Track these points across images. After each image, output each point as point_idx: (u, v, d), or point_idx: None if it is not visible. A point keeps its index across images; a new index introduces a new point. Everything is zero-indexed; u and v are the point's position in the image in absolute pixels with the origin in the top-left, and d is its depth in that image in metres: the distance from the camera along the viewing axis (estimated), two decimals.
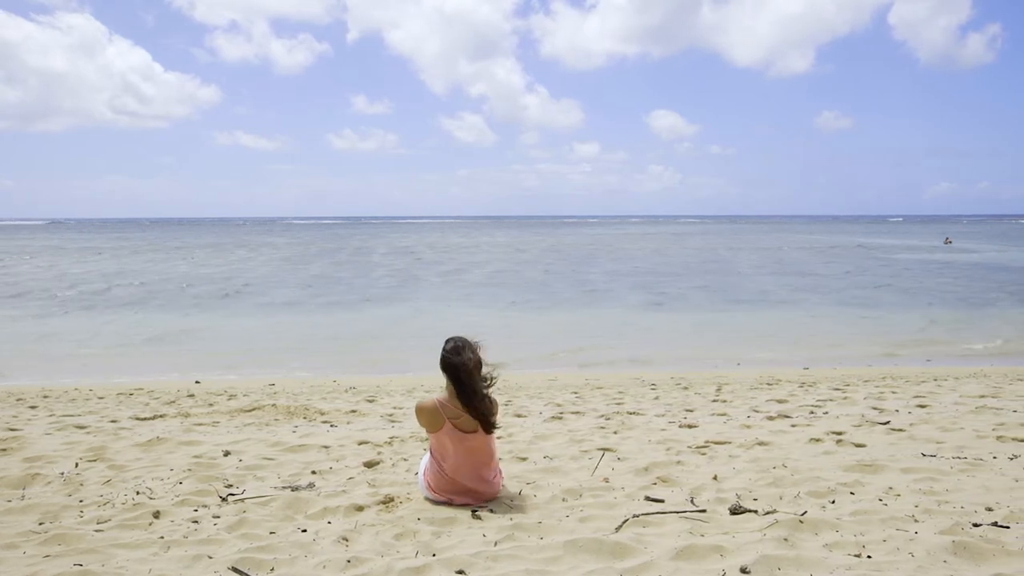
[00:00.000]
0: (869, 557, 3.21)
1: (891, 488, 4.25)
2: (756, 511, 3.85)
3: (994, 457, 4.95)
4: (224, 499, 4.21)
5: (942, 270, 31.88)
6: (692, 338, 15.46)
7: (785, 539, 3.38)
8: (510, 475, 4.64)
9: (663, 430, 6.16)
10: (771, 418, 6.68)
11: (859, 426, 6.13)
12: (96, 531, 3.69)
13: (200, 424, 6.86)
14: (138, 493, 4.33)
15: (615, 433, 6.03)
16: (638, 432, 6.06)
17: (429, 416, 4.14)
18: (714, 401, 8.08)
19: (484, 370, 4.14)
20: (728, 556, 3.23)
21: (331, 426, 6.68)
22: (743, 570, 3.08)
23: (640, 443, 5.59)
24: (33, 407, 8.16)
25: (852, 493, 4.19)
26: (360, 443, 5.70)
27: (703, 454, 5.22)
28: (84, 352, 13.87)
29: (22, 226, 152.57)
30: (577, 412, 7.32)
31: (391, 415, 7.37)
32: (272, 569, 3.21)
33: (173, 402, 8.57)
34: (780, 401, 7.90)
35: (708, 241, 65.87)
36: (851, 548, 3.31)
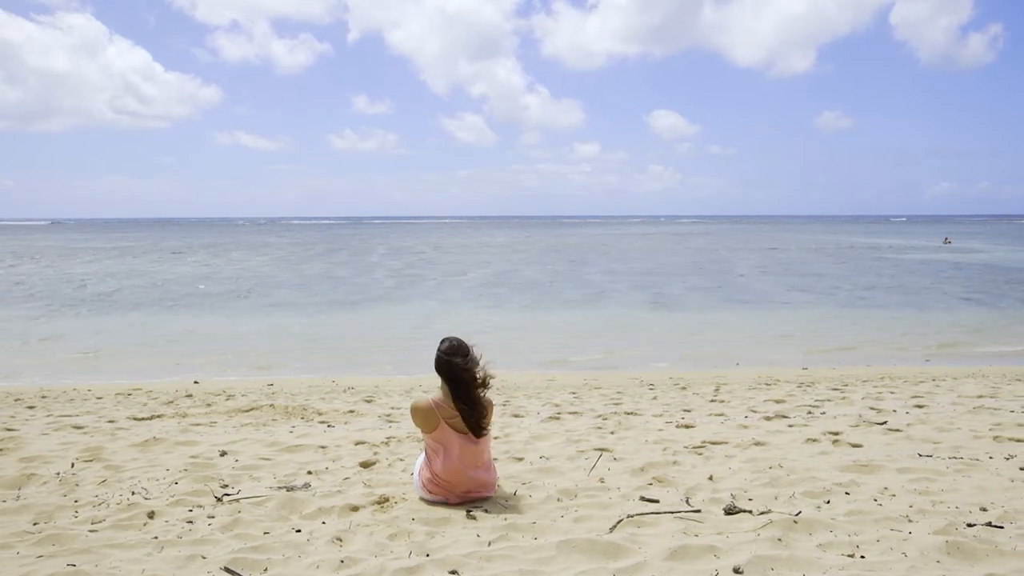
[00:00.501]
0: (862, 557, 3.21)
1: (886, 488, 4.25)
2: (751, 511, 3.86)
3: (990, 457, 4.96)
4: (219, 499, 4.21)
5: (943, 270, 31.87)
6: (692, 338, 15.44)
7: (779, 539, 3.38)
8: (506, 475, 4.65)
9: (660, 430, 6.16)
10: (768, 418, 6.68)
11: (856, 426, 6.14)
12: (90, 531, 3.70)
13: (197, 424, 6.86)
14: (133, 493, 4.34)
15: (612, 433, 6.03)
16: (635, 432, 6.06)
17: (424, 416, 4.15)
18: (712, 401, 8.08)
19: (479, 373, 4.14)
20: (722, 556, 3.23)
21: (328, 426, 6.68)
22: (736, 570, 3.08)
23: (637, 443, 5.59)
24: (31, 407, 8.17)
25: (847, 493, 4.19)
26: (357, 443, 5.71)
27: (699, 454, 5.22)
28: (84, 353, 13.87)
29: (23, 227, 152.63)
30: (575, 412, 7.32)
31: (388, 415, 7.37)
32: (265, 569, 3.22)
33: (171, 402, 8.57)
34: (778, 401, 7.90)
35: (708, 241, 65.84)
36: (845, 548, 3.31)
